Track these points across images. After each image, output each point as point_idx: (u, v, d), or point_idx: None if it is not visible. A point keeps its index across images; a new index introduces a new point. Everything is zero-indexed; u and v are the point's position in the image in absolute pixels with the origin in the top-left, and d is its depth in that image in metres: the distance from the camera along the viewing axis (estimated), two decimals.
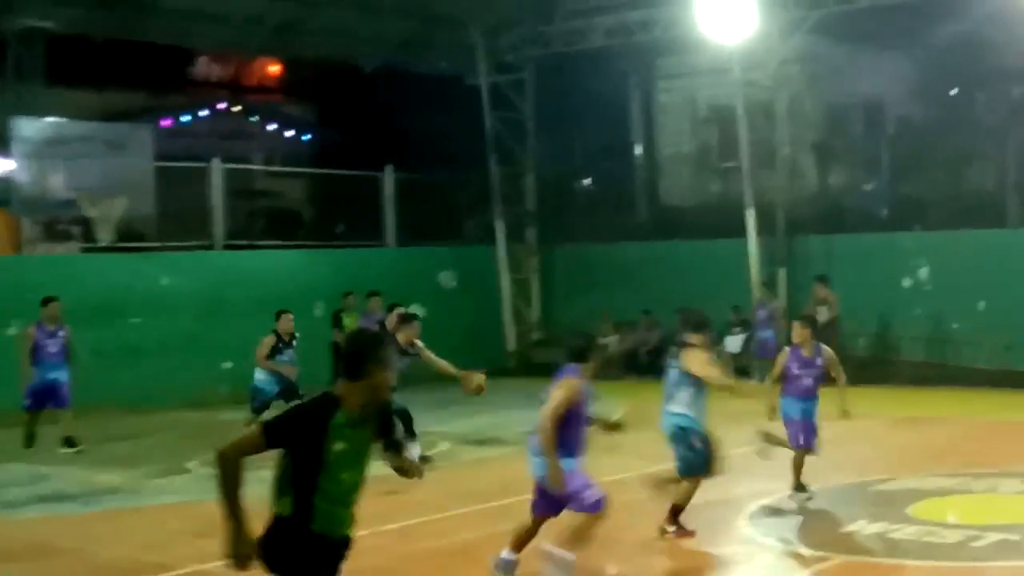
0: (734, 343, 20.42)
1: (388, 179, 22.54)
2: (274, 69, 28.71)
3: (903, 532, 9.00)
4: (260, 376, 13.81)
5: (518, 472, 12.34)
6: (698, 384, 8.81)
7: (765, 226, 20.80)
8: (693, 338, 9.00)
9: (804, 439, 9.82)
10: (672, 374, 9.02)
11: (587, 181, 26.83)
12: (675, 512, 8.93)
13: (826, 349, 10.19)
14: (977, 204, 20.70)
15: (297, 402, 4.90)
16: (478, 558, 7.98)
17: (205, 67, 27.51)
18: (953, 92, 23.38)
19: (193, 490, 11.80)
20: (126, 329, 18.13)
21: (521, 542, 7.63)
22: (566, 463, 7.36)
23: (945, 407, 16.48)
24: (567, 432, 7.36)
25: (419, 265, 21.90)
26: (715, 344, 20.97)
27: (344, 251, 22.02)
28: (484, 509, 9.80)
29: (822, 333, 13.94)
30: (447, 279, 21.72)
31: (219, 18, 20.78)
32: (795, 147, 22.57)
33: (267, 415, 13.09)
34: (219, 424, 16.60)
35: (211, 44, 24.45)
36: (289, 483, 4.65)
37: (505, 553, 7.58)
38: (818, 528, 9.33)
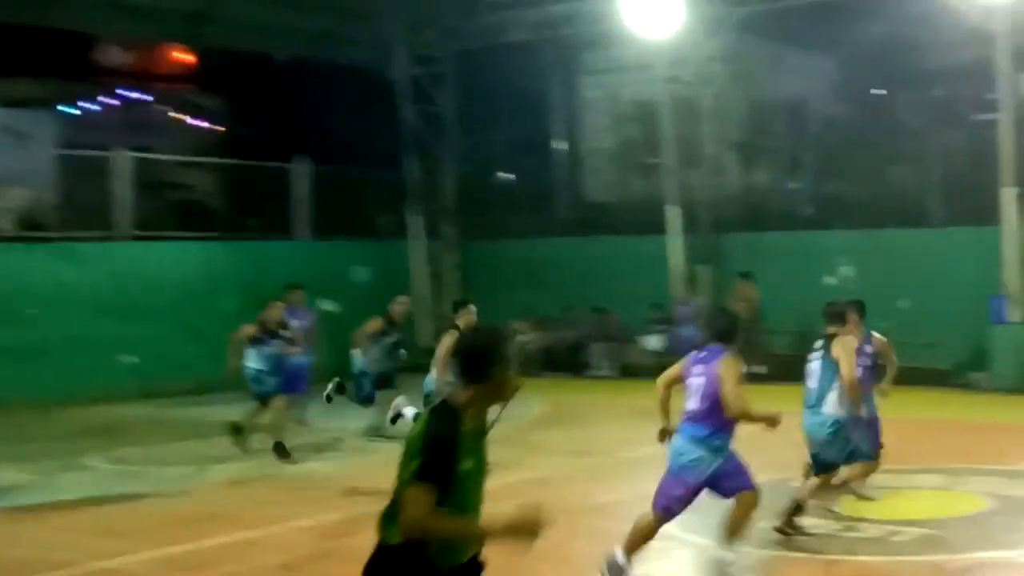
0: (655, 341, 20.17)
1: (300, 171, 21.98)
2: (185, 58, 27.96)
3: (824, 527, 8.83)
4: (252, 365, 12.74)
5: None
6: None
7: (689, 223, 20.65)
8: (838, 330, 8.72)
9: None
10: (820, 366, 8.65)
11: (508, 176, 26.46)
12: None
13: (876, 336, 9.67)
14: (900, 204, 20.76)
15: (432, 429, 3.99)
16: None
17: (113, 55, 26.70)
18: (876, 92, 23.47)
19: (94, 487, 11.37)
20: (26, 322, 17.39)
21: (635, 545, 7.25)
22: (726, 448, 7.14)
23: None
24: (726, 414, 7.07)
25: (332, 260, 21.22)
26: (633, 342, 20.98)
27: (255, 244, 21.35)
28: None
29: (745, 330, 13.73)
30: (359, 274, 21.16)
31: (127, 6, 20.04)
32: (720, 145, 22.48)
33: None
34: (123, 420, 16.02)
35: (118, 32, 23.68)
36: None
37: (619, 557, 7.18)
38: None
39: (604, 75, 24.23)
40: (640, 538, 7.24)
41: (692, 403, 7.20)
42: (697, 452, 7.12)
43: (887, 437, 12.78)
